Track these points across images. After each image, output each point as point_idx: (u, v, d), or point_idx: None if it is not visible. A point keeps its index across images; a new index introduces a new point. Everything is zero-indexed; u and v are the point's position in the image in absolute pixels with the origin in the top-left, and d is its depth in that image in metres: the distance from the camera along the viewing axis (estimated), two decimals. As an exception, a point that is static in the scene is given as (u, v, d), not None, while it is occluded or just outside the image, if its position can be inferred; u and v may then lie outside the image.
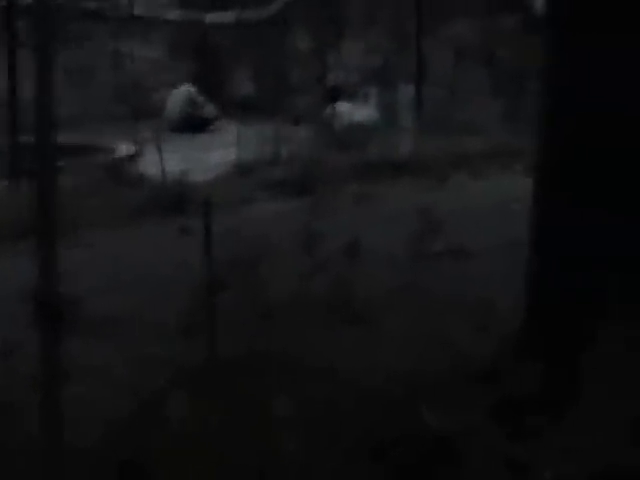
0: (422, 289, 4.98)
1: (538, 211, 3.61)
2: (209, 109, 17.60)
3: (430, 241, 6.06)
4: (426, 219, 6.41)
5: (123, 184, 9.99)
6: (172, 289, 5.43)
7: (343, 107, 14.03)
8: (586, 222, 3.40)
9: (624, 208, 3.36)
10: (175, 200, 8.54)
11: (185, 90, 17.91)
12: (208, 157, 13.12)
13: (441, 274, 5.32)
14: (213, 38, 20.15)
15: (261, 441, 2.25)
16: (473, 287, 4.88)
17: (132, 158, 12.81)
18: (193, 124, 17.16)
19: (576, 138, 3.40)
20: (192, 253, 6.38)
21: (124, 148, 13.57)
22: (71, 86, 18.14)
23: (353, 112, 13.71)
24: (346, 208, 7.95)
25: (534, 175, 3.68)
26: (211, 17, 21.07)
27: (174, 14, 22.14)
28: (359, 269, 5.72)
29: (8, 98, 10.47)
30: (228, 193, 9.04)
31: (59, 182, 9.09)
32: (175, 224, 7.85)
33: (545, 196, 3.58)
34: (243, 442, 2.27)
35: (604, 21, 3.31)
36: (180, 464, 2.35)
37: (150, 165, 11.48)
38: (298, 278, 5.14)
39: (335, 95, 16.65)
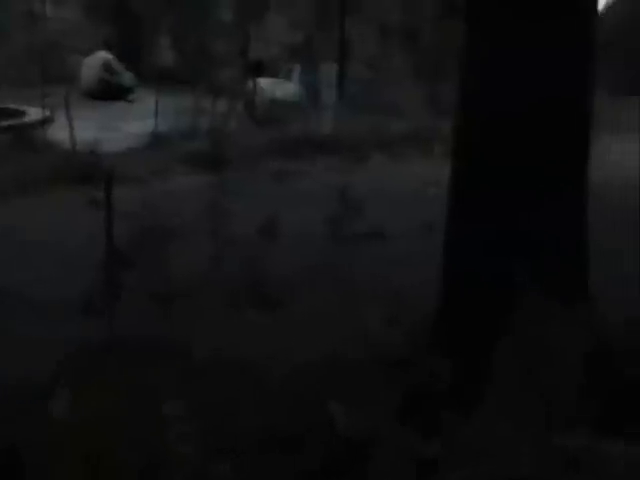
0: (337, 272, 4.84)
1: (452, 196, 3.55)
2: (127, 77, 17.06)
3: (348, 222, 5.93)
4: (345, 200, 6.26)
5: (31, 150, 9.53)
6: (72, 265, 5.15)
7: (265, 82, 13.74)
8: (499, 208, 3.34)
9: (536, 193, 3.33)
10: (86, 170, 8.17)
11: (102, 56, 17.30)
12: (124, 126, 12.69)
13: (358, 257, 5.19)
14: (134, 4, 19.53)
15: (139, 433, 2.08)
16: (388, 271, 4.78)
17: (43, 123, 12.25)
18: (110, 91, 16.61)
19: (489, 124, 3.35)
20: (99, 227, 6.09)
21: (35, 112, 12.99)
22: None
23: (275, 88, 13.44)
24: (264, 185, 7.75)
25: (451, 160, 3.61)
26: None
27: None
28: (273, 250, 5.53)
29: None
30: (142, 165, 8.73)
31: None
32: (84, 195, 7.50)
33: (459, 181, 3.52)
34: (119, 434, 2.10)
35: (514, 10, 3.29)
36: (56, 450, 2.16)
37: (62, 131, 10.99)
38: (207, 257, 4.93)
39: (258, 69, 16.36)
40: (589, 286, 3.46)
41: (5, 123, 12.18)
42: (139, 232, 5.65)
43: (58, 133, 10.97)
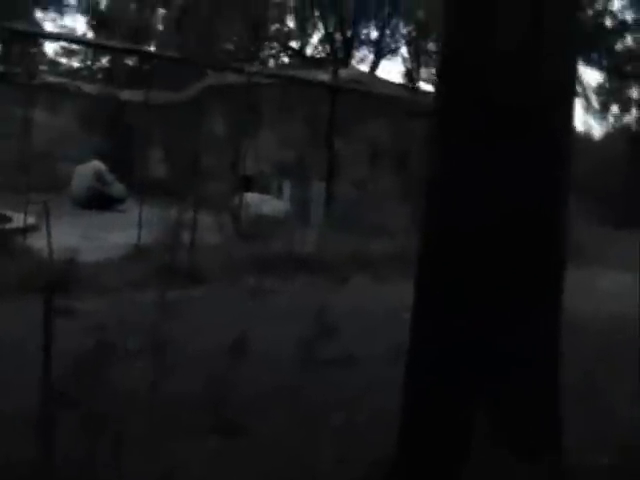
0: (300, 398, 4.60)
1: (414, 320, 3.40)
2: (118, 188, 17.14)
3: (319, 345, 5.71)
4: (319, 321, 6.08)
5: (7, 257, 9.36)
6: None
7: (253, 198, 13.77)
8: (463, 328, 3.17)
9: (505, 314, 3.16)
10: (58, 279, 7.97)
11: (94, 166, 17.43)
12: (107, 237, 12.59)
13: (324, 382, 4.96)
14: (128, 116, 19.86)
15: None
16: (351, 399, 4.54)
17: (26, 230, 12.15)
18: (100, 202, 16.65)
19: (452, 242, 3.24)
20: (64, 339, 5.84)
21: (20, 219, 12.93)
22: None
23: (262, 203, 13.47)
24: (239, 302, 7.56)
25: (414, 279, 3.50)
26: (127, 94, 20.83)
27: (89, 87, 21.84)
28: (239, 370, 5.29)
29: None
30: (118, 276, 8.56)
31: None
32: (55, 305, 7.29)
33: (420, 303, 3.39)
34: None
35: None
36: None
37: (44, 239, 10.87)
38: (168, 376, 4.67)
39: (247, 184, 16.48)
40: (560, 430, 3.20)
41: (-11, 228, 12.09)
42: (98, 348, 5.42)
43: (40, 241, 10.84)
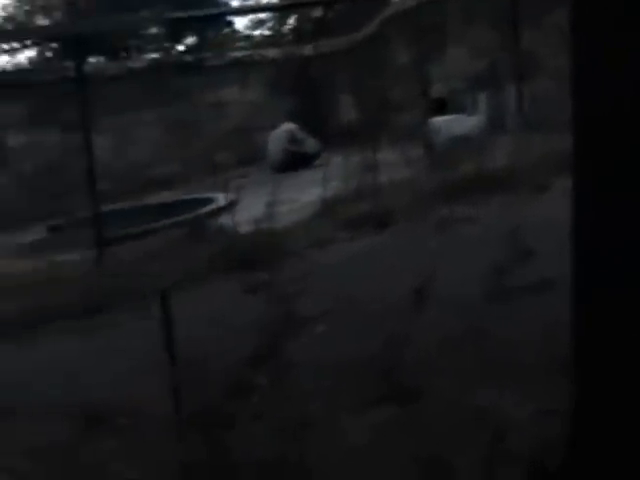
0: (487, 343, 3.86)
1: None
2: (311, 144, 16.84)
3: (513, 273, 4.87)
4: (511, 245, 5.20)
5: (200, 241, 9.29)
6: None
7: (441, 120, 12.79)
8: None
9: None
10: (245, 253, 7.70)
11: (286, 128, 17.27)
12: (300, 197, 12.29)
13: (516, 319, 4.16)
14: (312, 70, 19.50)
15: None
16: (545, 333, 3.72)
17: (229, 207, 12.15)
18: (296, 162, 16.47)
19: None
20: (245, 320, 5.50)
21: (222, 198, 13.00)
22: (178, 141, 18.04)
23: (452, 124, 12.45)
24: (426, 239, 6.82)
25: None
26: (310, 49, 20.48)
27: (273, 52, 21.74)
28: (421, 318, 4.62)
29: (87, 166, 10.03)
30: (304, 237, 8.13)
31: (138, 246, 8.44)
32: (241, 282, 7.00)
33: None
34: None
35: None
36: None
37: (240, 214, 10.76)
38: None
39: (441, 107, 15.48)
40: None
41: (189, 215, 12.25)
42: (279, 321, 4.99)
43: (236, 217, 10.75)
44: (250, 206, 12.33)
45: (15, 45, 22.98)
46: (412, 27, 18.29)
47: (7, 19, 24.77)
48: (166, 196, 14.83)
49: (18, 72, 19.31)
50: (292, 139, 16.91)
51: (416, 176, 9.58)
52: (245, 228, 9.24)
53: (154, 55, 24.85)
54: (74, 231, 10.80)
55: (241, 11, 33.82)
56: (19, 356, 6.11)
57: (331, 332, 4.89)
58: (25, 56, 24.88)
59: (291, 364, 4.31)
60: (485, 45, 17.33)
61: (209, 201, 13.27)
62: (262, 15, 29.94)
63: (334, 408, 3.80)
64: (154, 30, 27.21)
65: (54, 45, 23.58)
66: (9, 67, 22.35)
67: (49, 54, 24.59)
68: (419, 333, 4.36)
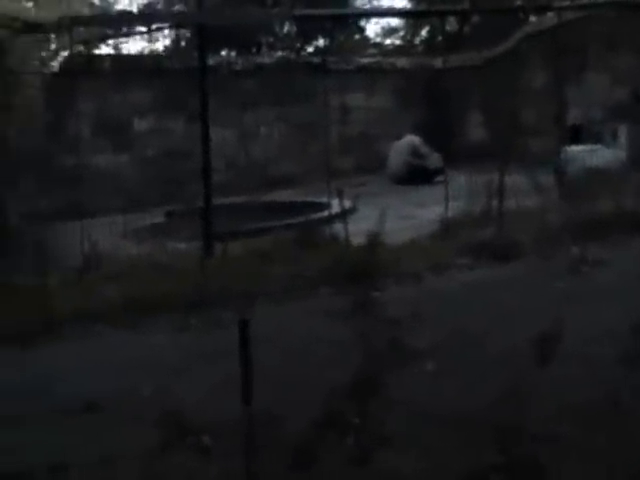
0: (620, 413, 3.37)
1: None
2: (434, 159, 16.35)
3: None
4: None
5: (310, 247, 8.99)
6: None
7: (577, 149, 12.07)
8: None
9: None
10: (356, 267, 7.35)
11: (409, 140, 16.86)
12: (421, 213, 11.86)
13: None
14: (442, 83, 19.00)
15: None
16: None
17: (343, 215, 11.84)
18: (417, 175, 16.04)
19: None
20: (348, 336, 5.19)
21: (337, 205, 12.70)
22: (297, 144, 17.90)
23: (590, 155, 11.72)
24: (556, 279, 6.29)
25: None
26: (440, 61, 19.97)
27: (403, 62, 21.36)
28: (543, 370, 4.17)
29: (204, 157, 9.93)
30: (421, 258, 7.72)
31: (247, 244, 8.23)
32: (348, 297, 6.66)
33: None
34: None
35: None
36: None
37: (356, 223, 10.41)
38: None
39: (575, 136, 14.73)
40: None
41: (302, 218, 12.01)
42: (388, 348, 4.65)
43: (353, 226, 10.42)
44: (366, 217, 11.99)
45: (154, 33, 23.46)
46: (551, 47, 17.53)
47: (147, 6, 25.32)
48: (280, 196, 14.68)
49: (151, 58, 19.62)
50: (415, 152, 16.49)
51: (546, 207, 8.99)
52: (358, 240, 8.90)
53: (283, 53, 24.89)
54: (189, 219, 10.72)
55: (373, 13, 33.53)
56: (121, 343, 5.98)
57: (440, 373, 4.48)
58: (162, 44, 25.42)
59: (390, 404, 3.94)
60: (629, 72, 16.44)
61: (324, 206, 13.00)
62: (394, 23, 29.64)
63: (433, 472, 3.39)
64: (286, 29, 27.31)
65: (188, 34, 23.96)
66: (145, 53, 22.81)
67: (183, 43, 25.02)
68: (541, 392, 3.91)
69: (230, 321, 6.34)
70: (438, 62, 20.15)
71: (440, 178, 15.74)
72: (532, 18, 21.59)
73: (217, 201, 10.55)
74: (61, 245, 9.33)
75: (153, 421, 4.03)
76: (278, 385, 4.46)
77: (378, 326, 5.61)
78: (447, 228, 8.87)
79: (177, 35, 26.05)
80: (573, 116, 16.07)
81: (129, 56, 19.41)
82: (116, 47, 19.90)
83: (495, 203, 9.63)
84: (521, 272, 6.73)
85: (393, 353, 4.64)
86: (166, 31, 25.08)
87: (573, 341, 4.53)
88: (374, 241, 8.51)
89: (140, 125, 16.79)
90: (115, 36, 18.66)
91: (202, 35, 10.38)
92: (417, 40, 29.52)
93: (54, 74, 14.83)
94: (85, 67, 15.27)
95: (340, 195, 10.98)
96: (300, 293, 6.89)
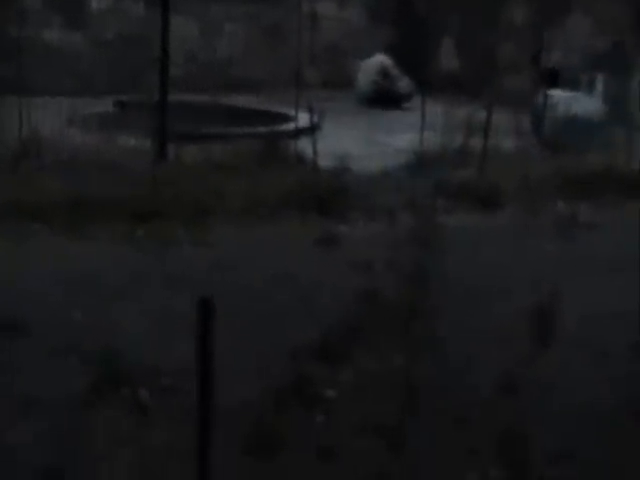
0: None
1: None
2: (404, 83, 15.61)
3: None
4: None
5: (280, 164, 8.31)
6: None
7: (559, 95, 11.51)
8: None
9: None
10: (324, 194, 6.75)
11: (379, 60, 16.02)
12: (389, 140, 11.23)
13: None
14: (418, 4, 18.10)
15: None
16: None
17: (310, 131, 11.09)
18: (385, 98, 15.29)
19: None
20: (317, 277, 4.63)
21: (304, 118, 11.94)
22: (264, 47, 16.89)
23: (572, 102, 11.18)
24: (546, 237, 5.80)
25: None
26: (421, -20, 19.02)
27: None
28: (545, 353, 3.70)
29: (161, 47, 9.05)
30: (392, 194, 7.13)
31: (198, 151, 7.45)
32: (317, 229, 6.07)
33: None
34: None
35: None
36: None
37: (321, 142, 9.70)
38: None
39: (552, 79, 14.13)
40: None
41: (267, 129, 11.26)
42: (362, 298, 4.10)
43: (318, 144, 9.74)
44: (333, 135, 11.31)
45: None
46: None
47: None
48: (242, 101, 13.79)
49: None
50: (385, 73, 15.69)
51: (525, 152, 8.45)
52: (327, 162, 8.26)
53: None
54: (142, 112, 9.87)
55: None
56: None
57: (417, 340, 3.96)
58: None
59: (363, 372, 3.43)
60: (613, 21, 15.85)
61: (289, 118, 12.24)
62: None
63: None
64: None
65: None
66: None
67: None
68: (545, 382, 3.42)
69: (180, 239, 5.73)
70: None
71: (408, 104, 15.09)
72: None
73: (173, 97, 9.72)
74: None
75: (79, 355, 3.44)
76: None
77: (346, 269, 5.05)
78: (423, 162, 8.26)
79: None
80: (551, 58, 15.47)
81: None
82: None
83: (472, 140, 9.07)
84: (506, 225, 6.21)
85: (363, 304, 4.09)
86: None
87: (575, 319, 4.05)
88: (344, 166, 7.90)
89: (97, 3, 15.57)
90: None
91: None
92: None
93: None
94: None
95: (311, 109, 10.26)
96: (259, 217, 6.27)
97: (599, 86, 13.60)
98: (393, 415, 3.12)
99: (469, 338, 3.85)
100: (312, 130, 9.96)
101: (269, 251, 5.40)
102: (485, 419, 3.15)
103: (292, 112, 11.45)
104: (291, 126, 11.28)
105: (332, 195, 6.70)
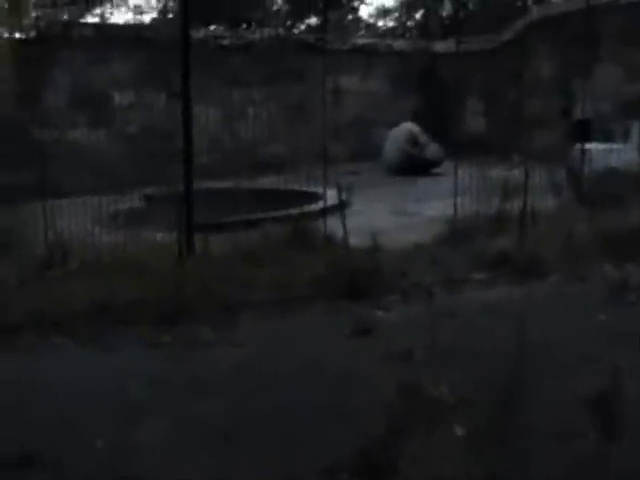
0: None
1: None
2: (433, 149, 15.43)
3: None
4: None
5: (307, 247, 8.03)
6: None
7: (595, 147, 11.15)
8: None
9: None
10: (357, 276, 6.42)
11: (407, 128, 15.89)
12: (421, 209, 10.94)
13: None
14: (441, 70, 18.04)
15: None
16: None
17: (338, 208, 10.83)
18: (414, 166, 15.11)
19: None
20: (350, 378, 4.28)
21: (332, 196, 11.71)
22: (288, 126, 16.88)
23: (609, 154, 10.81)
24: (595, 303, 5.38)
25: None
26: (440, 46, 19.02)
27: (398, 44, 20.36)
28: (608, 450, 3.27)
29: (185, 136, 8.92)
30: (431, 268, 6.79)
31: (231, 239, 7.18)
32: (351, 317, 5.72)
33: None
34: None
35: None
36: None
37: (351, 218, 9.42)
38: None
39: (584, 131, 13.81)
40: None
41: (294, 210, 11.03)
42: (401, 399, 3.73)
43: (348, 221, 9.46)
44: (362, 210, 11.07)
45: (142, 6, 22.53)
46: (559, 37, 16.63)
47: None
48: (269, 182, 13.67)
49: (135, 29, 18.48)
50: (412, 140, 15.53)
51: (567, 212, 8.07)
52: (357, 240, 7.95)
53: (275, 31, 23.83)
54: (169, 204, 9.74)
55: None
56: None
57: (471, 440, 3.55)
58: (150, 16, 24.35)
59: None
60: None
61: (316, 197, 12.02)
62: (388, 4, 28.74)
63: None
64: (276, 6, 26.25)
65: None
66: (130, 23, 21.68)
67: (171, 15, 23.90)
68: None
69: (208, 340, 5.43)
70: (438, 46, 19.19)
71: (438, 170, 14.86)
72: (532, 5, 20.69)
73: (200, 185, 9.57)
74: (24, 230, 8.32)
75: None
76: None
77: (386, 362, 4.68)
78: (456, 231, 7.92)
79: (164, 7, 24.97)
80: (581, 110, 15.17)
81: (112, 25, 18.27)
82: (102, 16, 18.82)
83: (509, 205, 8.71)
84: (549, 294, 5.81)
85: (412, 408, 3.71)
86: (153, 1, 24.01)
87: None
88: (375, 244, 7.58)
89: (120, 99, 15.73)
90: (101, 3, 17.58)
91: (186, 4, 9.36)
92: (411, 24, 28.59)
93: (29, 40, 13.74)
94: (64, 35, 14.21)
95: (338, 186, 10.01)
96: (290, 308, 5.95)
97: (634, 136, 13.24)
98: None
99: (528, 433, 3.44)
100: (341, 207, 9.70)
101: (302, 347, 5.06)
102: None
103: (319, 190, 11.23)
104: (319, 205, 11.04)
105: (365, 277, 6.36)
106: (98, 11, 18.37)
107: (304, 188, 12.66)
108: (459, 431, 3.62)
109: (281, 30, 23.96)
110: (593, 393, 3.57)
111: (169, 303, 5.96)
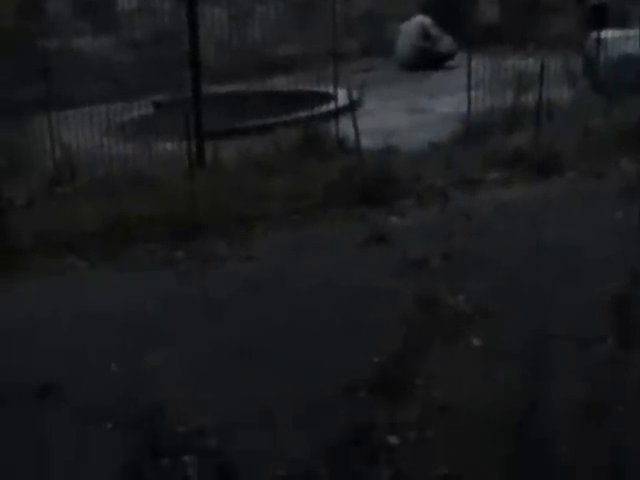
0: None
1: None
2: (446, 42, 14.96)
3: None
4: None
5: (319, 151, 7.90)
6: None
7: (612, 34, 10.73)
8: None
9: None
10: (371, 184, 6.31)
11: (419, 21, 15.38)
12: (435, 105, 10.67)
13: None
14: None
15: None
16: None
17: (350, 108, 10.59)
18: (427, 60, 14.68)
19: None
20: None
21: (343, 95, 11.43)
22: (298, 25, 16.39)
23: (626, 41, 10.41)
24: (612, 206, 5.27)
25: None
26: None
27: None
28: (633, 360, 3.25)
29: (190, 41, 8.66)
30: (445, 170, 6.65)
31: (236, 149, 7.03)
32: (365, 224, 5.65)
33: None
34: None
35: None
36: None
37: (363, 118, 9.19)
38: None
39: (599, 17, 13.29)
40: None
41: (305, 112, 10.84)
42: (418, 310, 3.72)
43: (360, 122, 9.25)
44: (375, 109, 10.83)
45: None
46: None
47: None
48: (278, 84, 13.36)
49: None
50: (424, 34, 15.06)
51: (583, 103, 7.83)
52: (371, 142, 7.79)
53: None
54: (174, 112, 9.55)
55: None
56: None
57: (487, 353, 3.53)
58: None
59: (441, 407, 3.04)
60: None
61: (328, 97, 11.74)
62: None
63: None
64: None
65: None
66: None
67: None
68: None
69: (222, 255, 5.40)
70: None
71: (451, 62, 14.45)
72: None
73: (208, 89, 9.36)
74: (31, 146, 8.21)
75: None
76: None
77: (399, 271, 4.64)
78: (471, 128, 7.74)
79: None
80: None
81: None
82: None
83: (524, 98, 8.44)
84: (566, 193, 5.69)
85: (428, 321, 3.69)
86: None
87: None
88: (389, 146, 7.44)
89: (124, 3, 15.29)
90: None
91: None
92: None
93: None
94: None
95: (349, 87, 9.75)
96: (303, 218, 5.89)
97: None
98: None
99: (550, 343, 3.41)
100: (351, 107, 9.48)
101: (317, 259, 5.02)
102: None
103: (331, 90, 10.96)
104: (331, 106, 10.80)
105: (379, 183, 6.26)
106: None
107: (315, 88, 12.38)
108: (476, 342, 3.60)
109: None
110: (611, 296, 3.53)
111: (181, 218, 5.91)
